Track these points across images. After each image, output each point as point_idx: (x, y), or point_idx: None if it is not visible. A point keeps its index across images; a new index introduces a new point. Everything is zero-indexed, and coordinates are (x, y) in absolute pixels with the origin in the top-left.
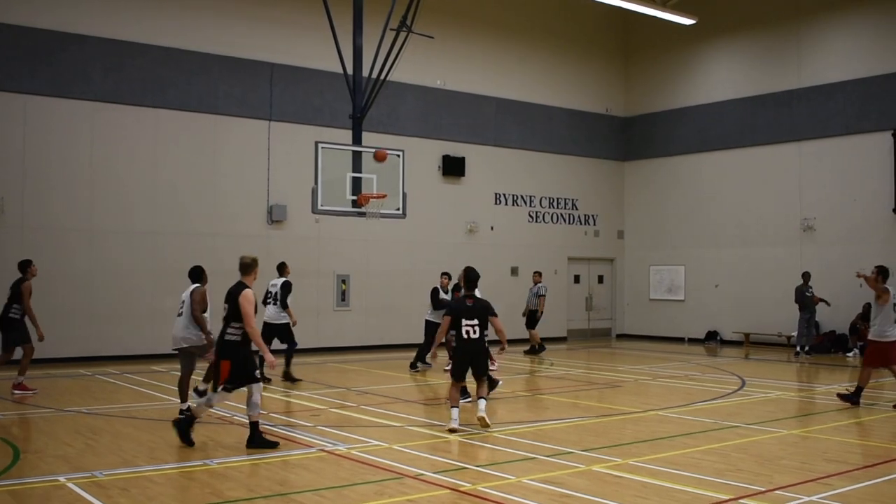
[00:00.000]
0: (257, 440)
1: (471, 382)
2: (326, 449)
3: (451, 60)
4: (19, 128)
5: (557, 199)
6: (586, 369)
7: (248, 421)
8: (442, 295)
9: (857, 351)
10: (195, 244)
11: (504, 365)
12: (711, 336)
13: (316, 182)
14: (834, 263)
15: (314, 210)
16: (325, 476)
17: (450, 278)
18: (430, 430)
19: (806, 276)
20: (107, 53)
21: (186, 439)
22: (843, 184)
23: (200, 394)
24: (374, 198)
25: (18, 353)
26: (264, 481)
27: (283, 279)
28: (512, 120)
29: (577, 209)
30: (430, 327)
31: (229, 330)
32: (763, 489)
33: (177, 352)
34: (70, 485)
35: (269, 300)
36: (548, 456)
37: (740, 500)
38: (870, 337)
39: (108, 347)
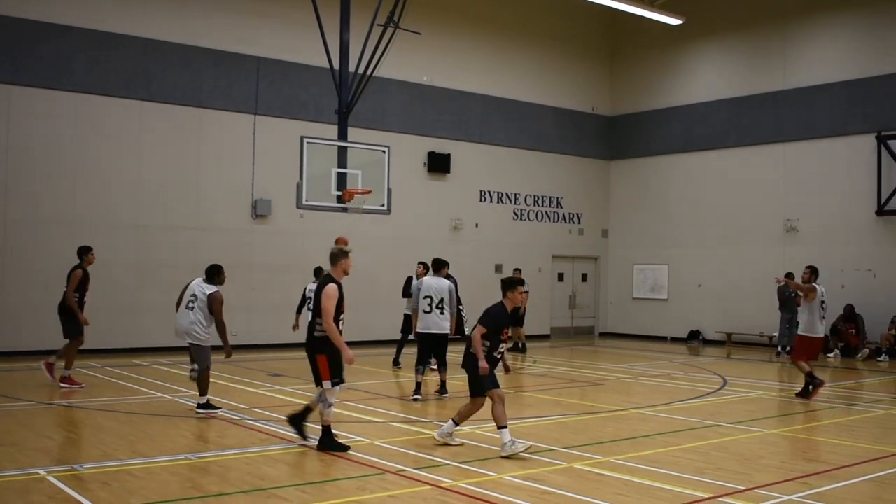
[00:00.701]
0: (327, 443)
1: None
2: (308, 444)
3: (438, 57)
4: (3, 119)
5: (542, 197)
6: (569, 367)
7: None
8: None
9: (838, 352)
10: (178, 238)
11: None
12: (694, 335)
13: (301, 177)
14: (816, 264)
15: (299, 205)
16: (306, 471)
17: (426, 267)
18: (412, 427)
19: (788, 276)
20: (91, 45)
21: (339, 447)
22: (827, 185)
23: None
24: (359, 193)
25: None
26: (245, 476)
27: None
28: (498, 117)
29: (561, 207)
30: (407, 321)
31: (318, 326)
32: (742, 488)
33: (188, 346)
34: (50, 478)
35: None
36: (529, 453)
37: (720, 499)
38: (799, 332)
39: (90, 340)
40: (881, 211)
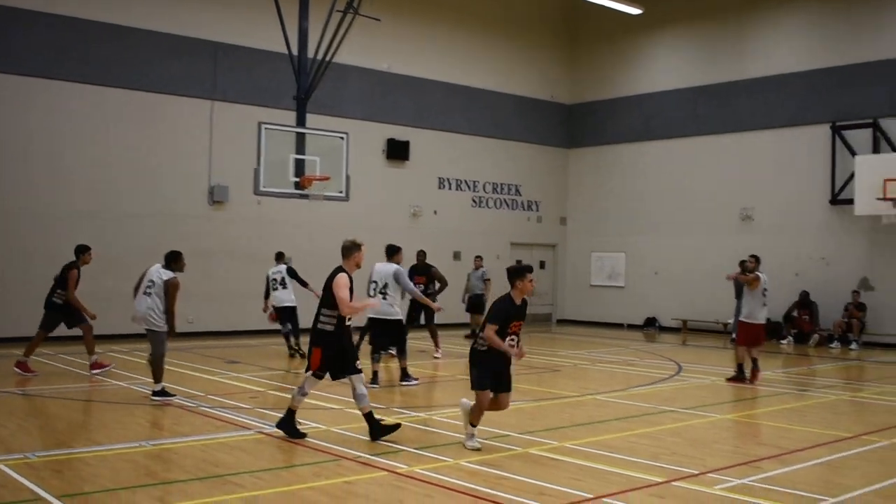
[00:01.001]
0: (378, 429)
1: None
2: (265, 431)
3: (398, 43)
4: None
5: (501, 184)
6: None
7: (360, 414)
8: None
9: (790, 338)
10: (134, 224)
11: (443, 349)
12: (650, 322)
13: (258, 163)
14: (771, 253)
15: (256, 191)
16: (262, 458)
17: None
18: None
19: (742, 265)
20: (46, 28)
21: (296, 434)
22: (783, 175)
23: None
24: (317, 180)
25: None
26: (200, 463)
27: (285, 265)
28: (457, 105)
29: (520, 195)
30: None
31: (322, 318)
32: (696, 472)
33: (145, 332)
34: (1, 466)
35: (276, 286)
36: (485, 439)
37: (673, 483)
38: (741, 318)
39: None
40: (835, 200)
